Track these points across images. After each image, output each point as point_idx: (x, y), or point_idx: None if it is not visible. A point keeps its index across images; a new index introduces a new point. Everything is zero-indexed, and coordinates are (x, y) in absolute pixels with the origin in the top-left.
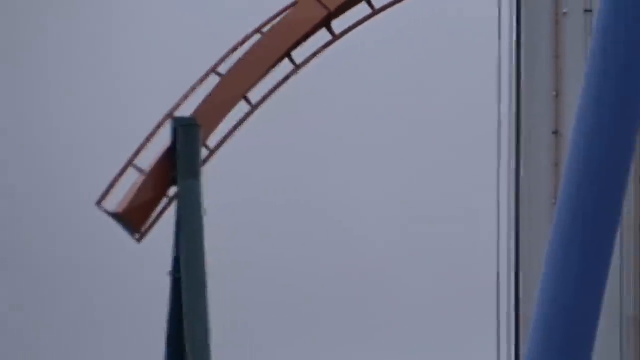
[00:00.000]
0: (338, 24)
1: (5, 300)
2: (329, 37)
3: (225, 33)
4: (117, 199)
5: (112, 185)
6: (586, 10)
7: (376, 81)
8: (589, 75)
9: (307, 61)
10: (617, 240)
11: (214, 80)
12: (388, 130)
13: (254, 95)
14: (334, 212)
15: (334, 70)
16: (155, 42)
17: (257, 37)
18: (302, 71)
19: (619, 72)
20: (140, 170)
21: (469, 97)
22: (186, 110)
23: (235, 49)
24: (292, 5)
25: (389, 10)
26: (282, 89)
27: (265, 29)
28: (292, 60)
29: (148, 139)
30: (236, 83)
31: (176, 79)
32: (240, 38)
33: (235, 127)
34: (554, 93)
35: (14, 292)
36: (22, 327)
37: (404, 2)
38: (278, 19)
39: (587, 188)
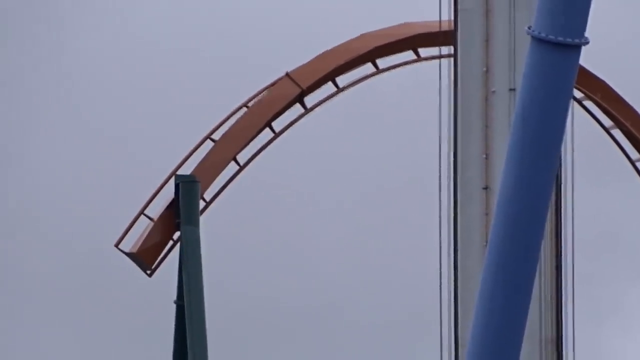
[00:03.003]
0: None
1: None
2: (302, 110)
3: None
4: (132, 242)
5: (127, 230)
6: (510, 89)
7: (337, 150)
8: (512, 142)
9: (284, 130)
10: (537, 274)
11: (208, 145)
12: (349, 185)
13: (242, 157)
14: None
15: (306, 137)
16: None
17: (244, 110)
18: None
19: (535, 140)
20: (149, 218)
21: (416, 159)
22: (187, 169)
23: (225, 120)
24: (273, 83)
25: (351, 89)
26: (264, 152)
27: (250, 104)
28: (272, 129)
29: (156, 193)
30: (227, 147)
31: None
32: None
33: (227, 184)
34: (484, 155)
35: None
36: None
37: (364, 81)
38: (261, 95)
39: (511, 232)
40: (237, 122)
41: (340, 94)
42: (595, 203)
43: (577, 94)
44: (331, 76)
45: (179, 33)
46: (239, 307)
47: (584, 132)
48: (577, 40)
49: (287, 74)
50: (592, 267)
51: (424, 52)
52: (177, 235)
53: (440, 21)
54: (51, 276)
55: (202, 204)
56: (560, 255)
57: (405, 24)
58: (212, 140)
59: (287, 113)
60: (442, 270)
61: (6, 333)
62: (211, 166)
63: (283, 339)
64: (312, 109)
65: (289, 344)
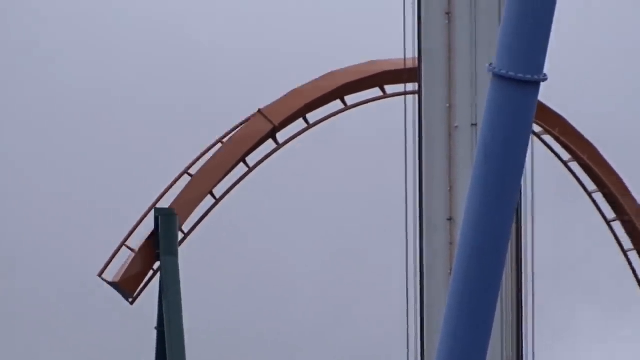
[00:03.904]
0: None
1: None
2: (274, 145)
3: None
4: (114, 271)
5: (109, 261)
6: (472, 124)
7: (308, 182)
8: (474, 175)
9: (257, 164)
10: (498, 300)
11: (186, 179)
12: (320, 216)
13: (218, 190)
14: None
15: (278, 170)
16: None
17: (219, 145)
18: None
19: (497, 173)
20: (131, 249)
21: (383, 192)
22: (166, 203)
23: (202, 155)
24: (246, 120)
25: (322, 124)
26: (240, 185)
27: (225, 140)
28: (246, 164)
29: (137, 225)
30: (203, 181)
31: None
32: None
33: (204, 216)
34: (448, 188)
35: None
36: None
37: (333, 118)
38: (235, 131)
39: (474, 261)
40: (212, 157)
41: (310, 130)
42: (553, 231)
43: (537, 128)
44: (302, 113)
45: (156, 70)
46: (216, 333)
47: (543, 165)
48: (535, 77)
49: (259, 111)
50: (550, 290)
51: (390, 89)
52: (157, 265)
53: (405, 59)
54: (39, 305)
55: (180, 235)
56: (521, 280)
57: (372, 62)
58: (189, 174)
59: (260, 148)
60: (409, 296)
61: None
62: (189, 200)
63: (256, 356)
64: (284, 144)
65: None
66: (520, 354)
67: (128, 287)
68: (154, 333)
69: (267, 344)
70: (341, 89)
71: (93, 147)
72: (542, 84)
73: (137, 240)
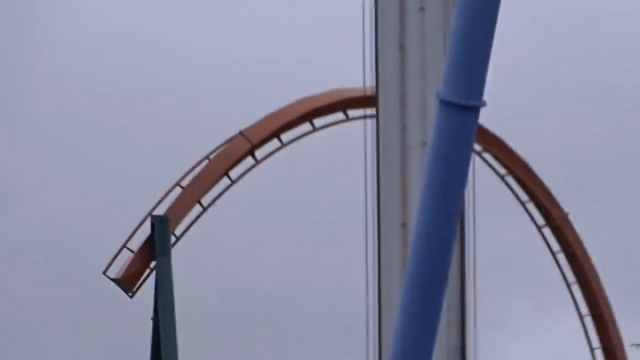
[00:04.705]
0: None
1: None
2: (253, 161)
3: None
4: (117, 269)
5: (112, 260)
6: (423, 143)
7: (282, 192)
8: (424, 186)
9: (238, 178)
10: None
11: (178, 190)
12: (292, 223)
13: (205, 200)
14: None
15: (256, 183)
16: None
17: (206, 161)
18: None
19: (443, 184)
20: (131, 250)
21: (346, 201)
22: (160, 210)
23: (191, 169)
24: (230, 139)
25: (294, 143)
26: (224, 195)
27: (211, 156)
28: (229, 177)
29: (136, 230)
30: (193, 192)
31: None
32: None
33: (193, 222)
34: (402, 197)
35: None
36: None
37: (303, 138)
38: (219, 149)
39: (425, 258)
40: (200, 171)
41: (284, 148)
42: (492, 235)
43: (477, 147)
44: (276, 134)
45: (154, 98)
46: (203, 319)
47: (482, 179)
48: (476, 103)
49: (240, 132)
50: (489, 286)
51: (351, 113)
52: (153, 264)
53: (365, 87)
54: (52, 299)
55: (173, 238)
56: (464, 277)
57: (336, 90)
58: (181, 186)
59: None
60: (369, 290)
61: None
62: (180, 208)
63: (239, 342)
64: (261, 160)
65: (244, 347)
66: (464, 343)
67: (128, 282)
68: (150, 322)
69: (247, 326)
70: (310, 113)
71: (99, 164)
72: (482, 108)
73: (136, 243)
